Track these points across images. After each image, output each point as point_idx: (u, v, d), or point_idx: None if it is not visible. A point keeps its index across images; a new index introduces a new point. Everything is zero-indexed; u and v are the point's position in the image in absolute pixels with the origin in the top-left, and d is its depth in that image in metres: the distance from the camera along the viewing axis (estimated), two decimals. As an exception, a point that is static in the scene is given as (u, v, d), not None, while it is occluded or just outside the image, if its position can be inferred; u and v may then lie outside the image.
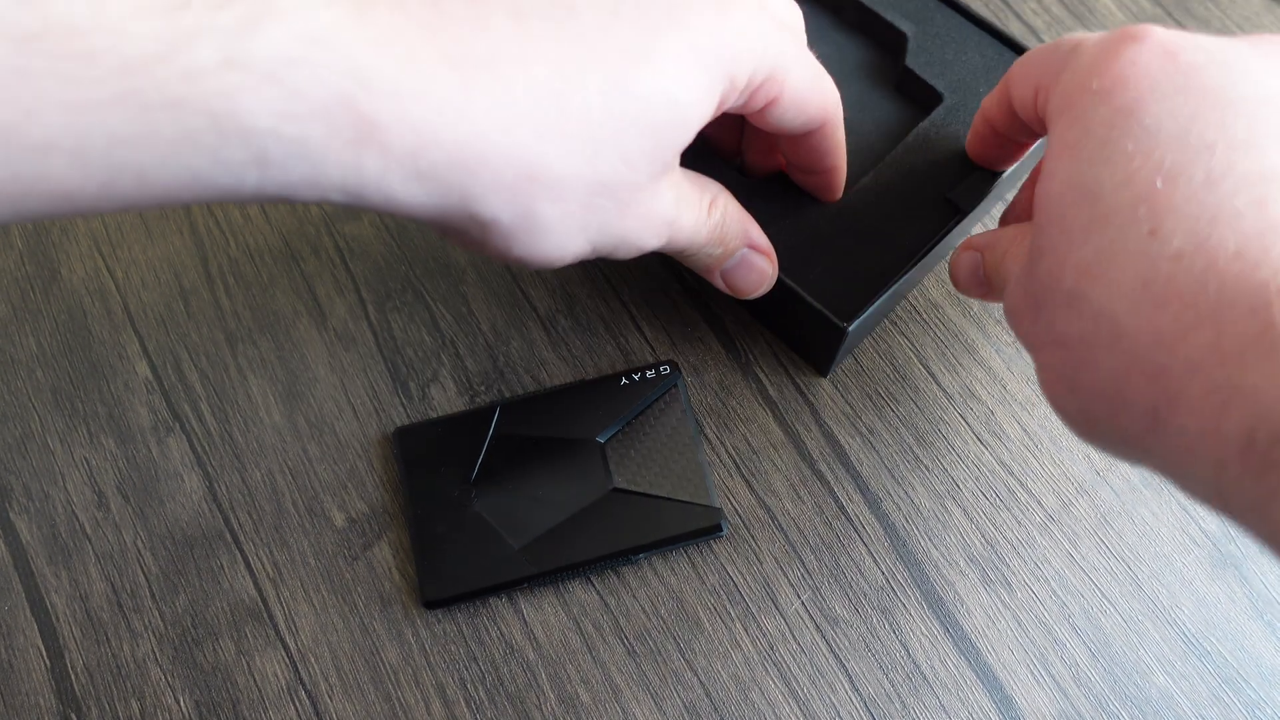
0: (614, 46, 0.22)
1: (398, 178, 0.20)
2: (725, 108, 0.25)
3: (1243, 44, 0.22)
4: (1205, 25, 0.43)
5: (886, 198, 0.34)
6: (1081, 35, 0.24)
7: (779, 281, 0.32)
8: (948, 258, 0.37)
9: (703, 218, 0.28)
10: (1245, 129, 0.19)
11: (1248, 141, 0.19)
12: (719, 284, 0.31)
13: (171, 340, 0.37)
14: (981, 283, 0.29)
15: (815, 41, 0.38)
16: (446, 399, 0.36)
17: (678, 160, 0.25)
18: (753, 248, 0.30)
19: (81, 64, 0.16)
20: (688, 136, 0.24)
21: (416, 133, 0.19)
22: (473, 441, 0.34)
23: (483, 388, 0.36)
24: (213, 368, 0.37)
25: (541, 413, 0.34)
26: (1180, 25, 0.43)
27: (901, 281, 0.32)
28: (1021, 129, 0.28)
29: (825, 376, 0.36)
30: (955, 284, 0.30)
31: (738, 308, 0.37)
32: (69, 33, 0.16)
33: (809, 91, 0.27)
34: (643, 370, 0.34)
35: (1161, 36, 0.22)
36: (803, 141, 0.30)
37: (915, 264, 0.32)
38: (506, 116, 0.20)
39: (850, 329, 0.31)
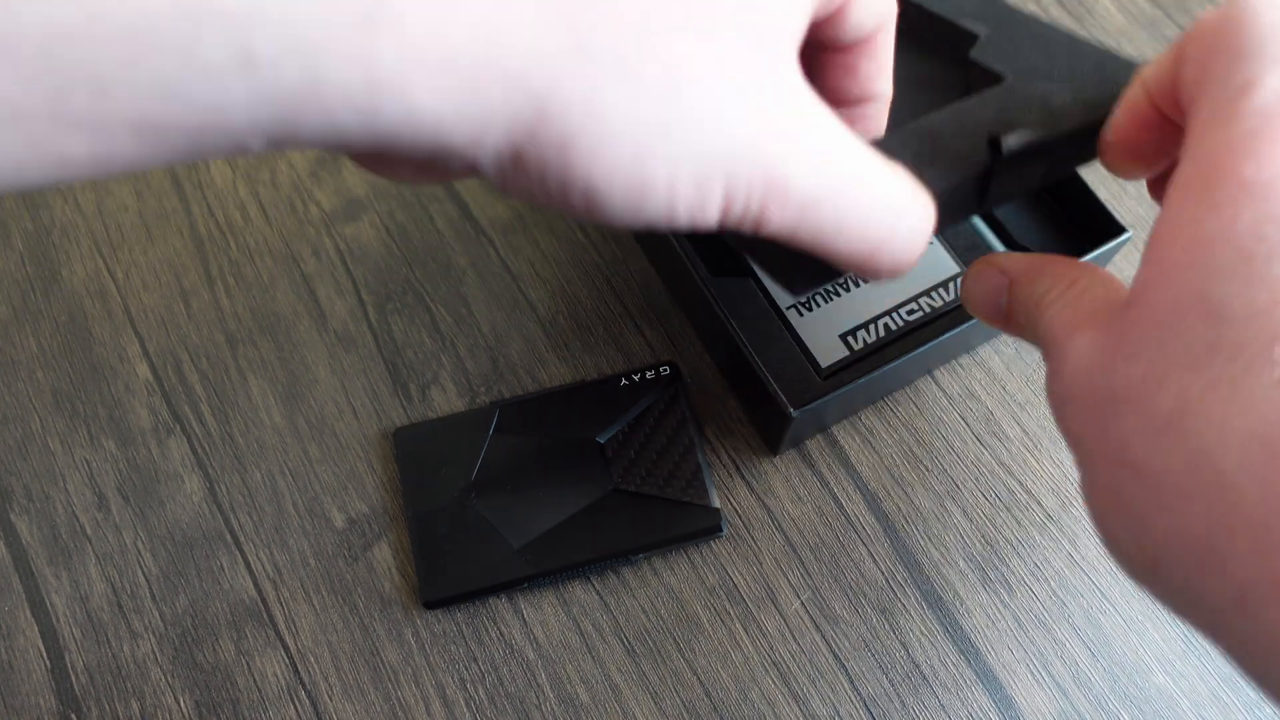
0: None
1: (422, 73, 0.14)
2: None
3: None
4: (1203, 26, 0.43)
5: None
6: (1242, 33, 0.18)
7: (742, 356, 0.30)
8: (931, 359, 0.33)
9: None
10: None
11: None
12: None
13: (172, 342, 0.37)
14: (1000, 312, 0.25)
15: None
16: (447, 400, 0.36)
17: (794, 51, 0.19)
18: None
19: None
20: (801, 12, 0.19)
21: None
22: (473, 442, 0.34)
23: (483, 388, 0.36)
24: (213, 369, 0.37)
25: (541, 413, 0.34)
26: (1179, 26, 0.43)
27: (865, 382, 0.30)
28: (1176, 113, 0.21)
29: (775, 455, 0.34)
30: (965, 300, 0.26)
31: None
32: None
33: None
34: (643, 371, 0.35)
35: None
36: (851, 62, 0.23)
37: (884, 370, 0.30)
38: None
39: (796, 415, 0.29)
